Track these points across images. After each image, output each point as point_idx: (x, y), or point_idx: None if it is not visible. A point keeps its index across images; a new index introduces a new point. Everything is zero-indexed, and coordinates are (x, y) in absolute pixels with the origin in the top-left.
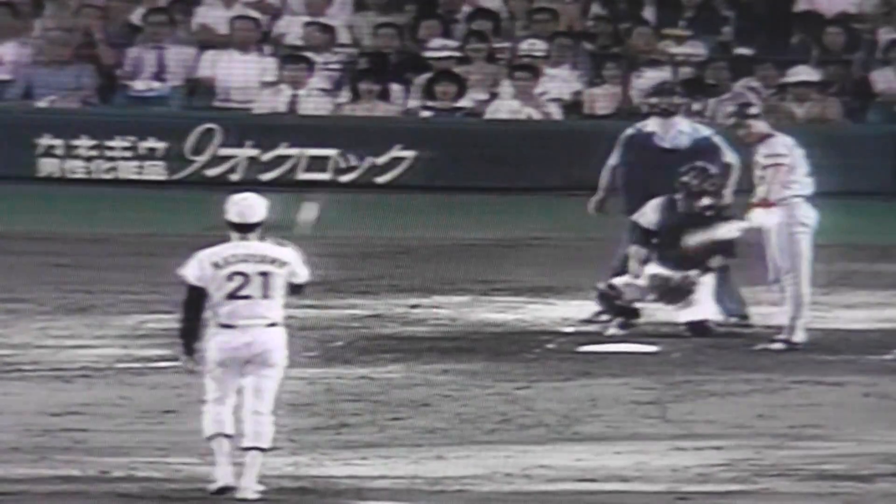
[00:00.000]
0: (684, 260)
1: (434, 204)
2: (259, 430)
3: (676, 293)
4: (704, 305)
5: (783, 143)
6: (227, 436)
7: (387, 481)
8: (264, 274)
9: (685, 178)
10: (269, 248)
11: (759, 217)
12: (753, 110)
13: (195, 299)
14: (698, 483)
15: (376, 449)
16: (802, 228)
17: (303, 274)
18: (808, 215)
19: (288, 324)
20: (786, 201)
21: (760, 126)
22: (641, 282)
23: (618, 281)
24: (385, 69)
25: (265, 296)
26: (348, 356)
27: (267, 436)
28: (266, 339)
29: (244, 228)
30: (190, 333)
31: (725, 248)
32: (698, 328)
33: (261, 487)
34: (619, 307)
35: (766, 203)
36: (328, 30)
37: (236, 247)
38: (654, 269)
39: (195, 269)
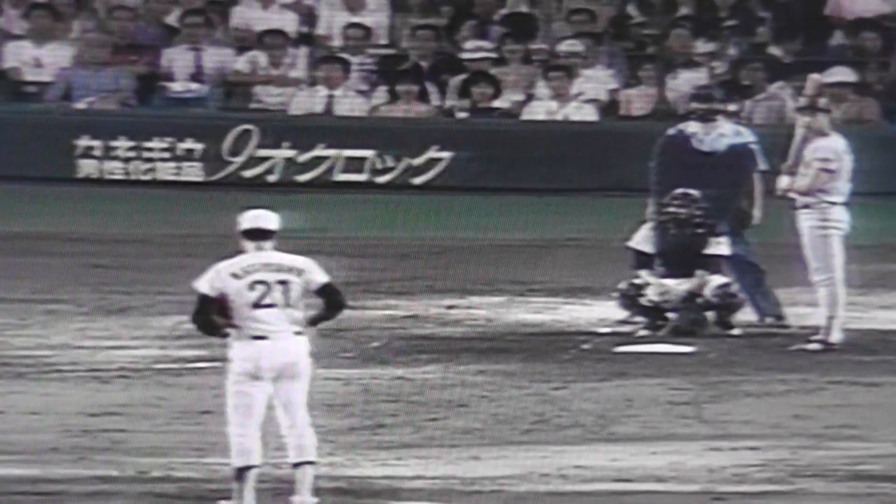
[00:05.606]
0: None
1: (470, 205)
2: (301, 443)
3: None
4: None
5: (833, 148)
6: (254, 466)
7: (423, 482)
8: (283, 283)
9: (671, 209)
10: (285, 256)
11: (783, 183)
12: (823, 104)
13: (205, 310)
14: (734, 483)
15: (412, 449)
16: (834, 231)
17: (320, 278)
18: (841, 219)
19: (324, 326)
20: (820, 204)
21: (823, 122)
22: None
23: (639, 280)
24: (421, 70)
25: (287, 304)
26: (385, 357)
27: (311, 448)
28: (296, 350)
29: (259, 235)
30: (210, 328)
31: (712, 263)
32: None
33: (315, 500)
34: (642, 306)
35: (798, 191)
36: (365, 31)
37: (253, 257)
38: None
39: (212, 279)
